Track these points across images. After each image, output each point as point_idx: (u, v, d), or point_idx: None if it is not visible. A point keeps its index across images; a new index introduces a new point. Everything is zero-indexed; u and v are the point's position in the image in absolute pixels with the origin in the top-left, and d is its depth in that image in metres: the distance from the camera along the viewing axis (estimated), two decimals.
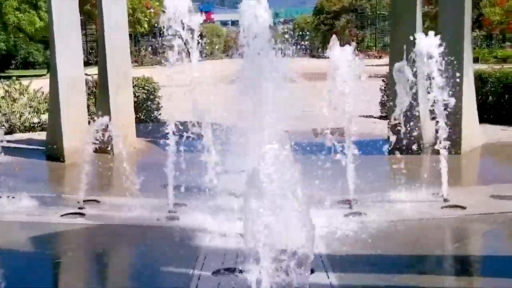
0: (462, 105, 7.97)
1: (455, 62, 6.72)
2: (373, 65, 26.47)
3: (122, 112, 8.87)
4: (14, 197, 6.12)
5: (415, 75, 5.88)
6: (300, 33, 50.25)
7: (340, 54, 5.74)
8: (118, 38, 9.01)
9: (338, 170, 5.83)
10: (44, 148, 9.02)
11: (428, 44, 5.73)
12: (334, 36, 5.89)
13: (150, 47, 35.72)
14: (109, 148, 7.81)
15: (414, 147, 6.37)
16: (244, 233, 3.18)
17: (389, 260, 4.54)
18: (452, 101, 5.67)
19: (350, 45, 5.86)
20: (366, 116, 11.62)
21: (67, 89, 8.43)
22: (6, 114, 11.05)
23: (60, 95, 8.36)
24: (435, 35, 5.76)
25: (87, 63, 17.84)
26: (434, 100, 5.83)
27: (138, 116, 10.49)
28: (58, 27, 8.35)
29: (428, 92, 5.88)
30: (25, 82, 12.30)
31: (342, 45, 5.88)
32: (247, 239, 3.11)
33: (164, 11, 5.48)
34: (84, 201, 5.96)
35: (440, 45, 5.66)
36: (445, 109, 5.80)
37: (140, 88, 11.43)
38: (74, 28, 8.60)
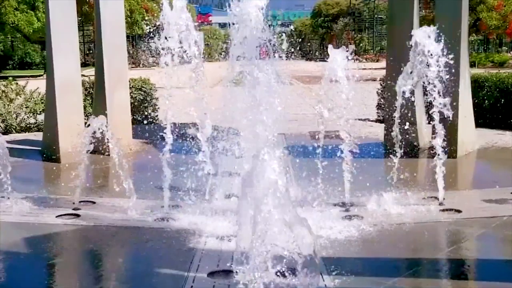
0: (458, 109, 8.00)
1: (451, 66, 6.73)
2: (369, 68, 26.57)
3: (118, 113, 8.87)
4: (9, 198, 6.10)
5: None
6: (297, 35, 50.35)
7: (337, 58, 5.75)
8: (115, 38, 9.00)
9: (334, 173, 5.83)
10: (40, 148, 9.00)
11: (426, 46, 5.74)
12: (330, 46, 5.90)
13: (148, 49, 35.75)
14: (105, 149, 7.81)
15: (410, 151, 6.38)
16: (238, 235, 3.18)
17: (384, 263, 4.54)
18: (448, 109, 5.68)
19: (347, 48, 5.87)
20: (363, 119, 11.65)
21: (64, 90, 8.42)
22: (2, 114, 11.03)
23: (56, 96, 8.35)
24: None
25: (84, 64, 17.91)
26: (431, 104, 5.85)
27: (135, 117, 10.49)
28: (55, 27, 8.34)
29: (425, 96, 5.89)
30: (21, 82, 12.28)
31: (339, 48, 5.88)
32: (242, 241, 3.11)
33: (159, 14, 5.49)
34: (79, 202, 5.95)
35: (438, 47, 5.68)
36: (441, 113, 5.81)
37: (137, 90, 11.43)
38: (71, 28, 8.59)
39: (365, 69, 24.79)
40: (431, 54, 5.64)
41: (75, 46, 8.74)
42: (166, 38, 5.57)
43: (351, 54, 5.73)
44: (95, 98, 9.38)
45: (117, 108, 8.91)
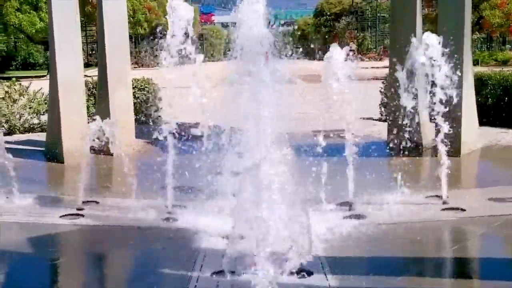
0: (461, 108, 7.97)
1: (455, 64, 6.71)
2: (373, 67, 26.53)
3: (121, 113, 8.87)
4: (12, 198, 6.11)
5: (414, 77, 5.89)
6: (300, 34, 50.35)
7: (338, 57, 5.74)
8: (117, 37, 8.99)
9: (337, 172, 5.82)
10: (43, 149, 9.02)
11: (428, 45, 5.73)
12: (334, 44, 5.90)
13: (151, 48, 35.71)
14: (108, 149, 7.82)
15: (414, 149, 6.37)
16: (242, 234, 3.19)
17: (388, 262, 4.54)
18: (451, 107, 5.68)
19: (350, 47, 5.86)
20: (366, 118, 11.64)
21: (67, 90, 8.41)
22: (6, 115, 11.05)
23: (59, 96, 8.35)
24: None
25: (87, 65, 17.90)
26: (434, 103, 5.83)
27: (137, 117, 10.49)
28: (58, 26, 8.33)
29: (429, 94, 5.88)
30: (25, 83, 12.30)
31: (342, 47, 5.87)
32: (245, 241, 3.11)
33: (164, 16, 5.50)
34: (83, 202, 5.96)
35: (440, 46, 5.67)
36: (444, 111, 5.80)
37: (140, 90, 11.43)
38: (74, 27, 8.57)
39: (374, 67, 24.72)
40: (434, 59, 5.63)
41: (77, 46, 8.73)
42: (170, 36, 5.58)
43: (353, 53, 5.73)
44: (98, 98, 9.38)
45: (120, 107, 8.91)
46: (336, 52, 5.75)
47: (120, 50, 9.05)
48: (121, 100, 9.01)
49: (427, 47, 5.68)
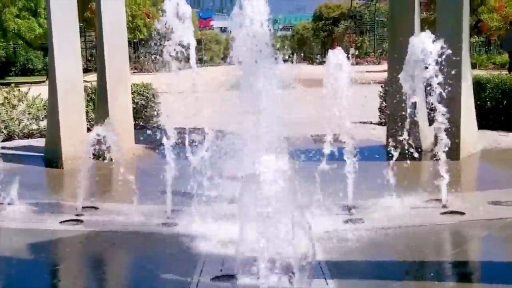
0: (460, 111, 7.98)
1: (453, 67, 6.73)
2: (370, 71, 26.54)
3: (121, 118, 8.86)
4: (11, 204, 6.10)
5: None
6: (299, 38, 50.43)
7: (337, 61, 5.75)
8: (116, 38, 8.99)
9: (336, 176, 5.82)
10: (43, 154, 9.01)
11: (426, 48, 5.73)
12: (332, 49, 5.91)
13: (149, 53, 35.71)
14: (107, 155, 7.81)
15: (413, 153, 6.36)
16: (240, 239, 3.18)
17: (388, 266, 4.53)
18: (451, 111, 5.68)
19: (349, 51, 5.87)
20: (365, 122, 11.64)
21: (66, 90, 8.38)
22: (5, 121, 11.04)
23: (58, 96, 8.31)
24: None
25: (86, 70, 17.94)
26: (433, 106, 5.84)
27: (137, 122, 10.49)
28: (57, 26, 8.32)
29: (427, 98, 5.89)
30: (24, 88, 12.30)
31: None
32: (245, 246, 3.11)
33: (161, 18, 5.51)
34: (82, 207, 5.95)
35: (439, 50, 5.67)
36: (443, 115, 5.80)
37: (139, 95, 11.43)
38: (73, 27, 8.56)
39: (373, 71, 24.74)
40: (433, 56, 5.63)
41: (77, 46, 8.73)
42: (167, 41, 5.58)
43: (351, 57, 5.74)
44: (97, 103, 9.37)
45: (119, 112, 8.90)
46: (337, 57, 5.76)
47: (119, 50, 9.05)
48: (121, 101, 8.99)
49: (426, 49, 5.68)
